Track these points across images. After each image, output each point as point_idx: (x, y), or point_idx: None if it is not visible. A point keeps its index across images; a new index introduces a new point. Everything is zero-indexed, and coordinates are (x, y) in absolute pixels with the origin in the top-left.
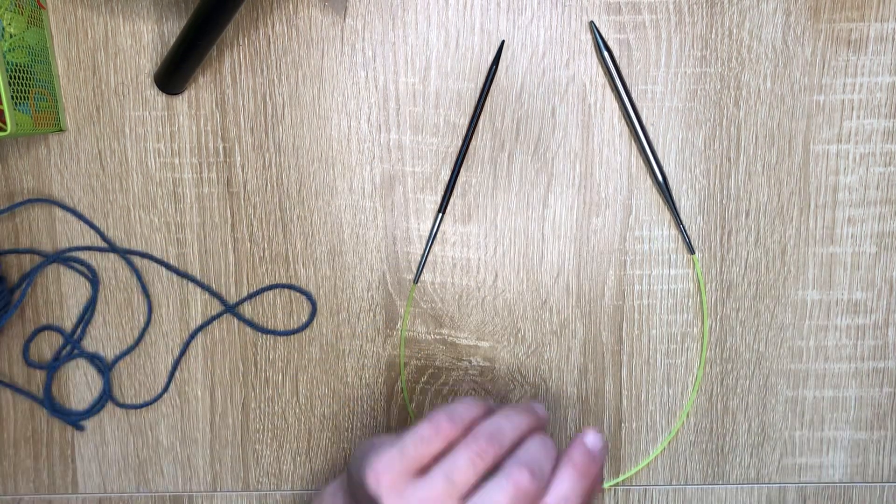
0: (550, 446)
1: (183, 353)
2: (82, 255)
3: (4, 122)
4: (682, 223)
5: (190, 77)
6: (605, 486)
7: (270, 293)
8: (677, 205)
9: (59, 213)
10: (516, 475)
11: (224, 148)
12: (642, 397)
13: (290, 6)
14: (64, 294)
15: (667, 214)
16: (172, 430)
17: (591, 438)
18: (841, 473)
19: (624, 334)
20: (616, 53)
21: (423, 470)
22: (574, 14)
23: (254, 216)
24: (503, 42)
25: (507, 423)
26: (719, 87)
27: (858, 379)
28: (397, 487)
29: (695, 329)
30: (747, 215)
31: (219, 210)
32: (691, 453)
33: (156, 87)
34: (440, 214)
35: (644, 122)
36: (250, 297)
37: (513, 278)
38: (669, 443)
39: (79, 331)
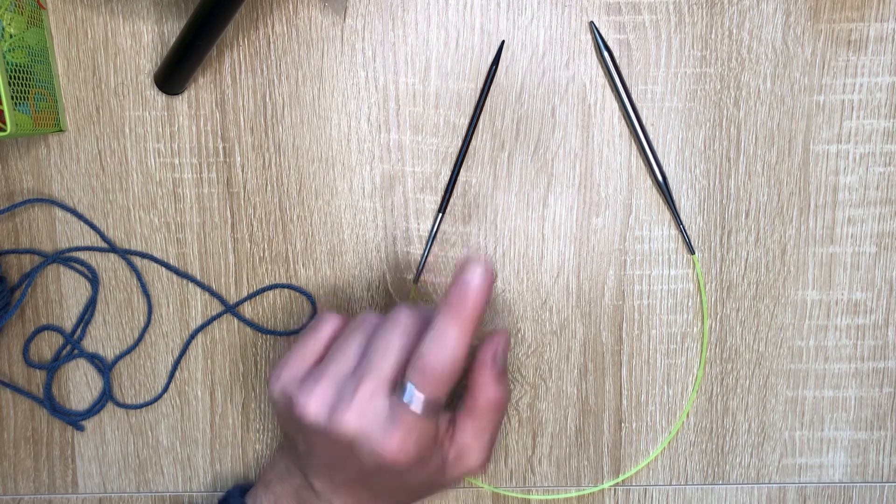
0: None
1: (183, 353)
2: (82, 255)
3: (4, 122)
4: (682, 223)
5: (190, 77)
6: (606, 486)
7: (270, 293)
8: (677, 205)
9: (59, 213)
10: (395, 314)
11: (224, 148)
12: (642, 397)
13: (290, 6)
14: (64, 294)
15: (667, 214)
16: (172, 430)
17: (469, 274)
18: (841, 473)
19: (624, 334)
20: (616, 53)
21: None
22: (574, 14)
23: (254, 216)
24: (503, 42)
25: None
26: (719, 87)
27: (858, 379)
28: (297, 378)
29: (695, 329)
30: (747, 215)
31: (219, 210)
32: (691, 453)
33: (156, 87)
34: (440, 214)
35: (644, 122)
36: (250, 297)
37: (513, 278)
38: (669, 443)
39: (79, 331)
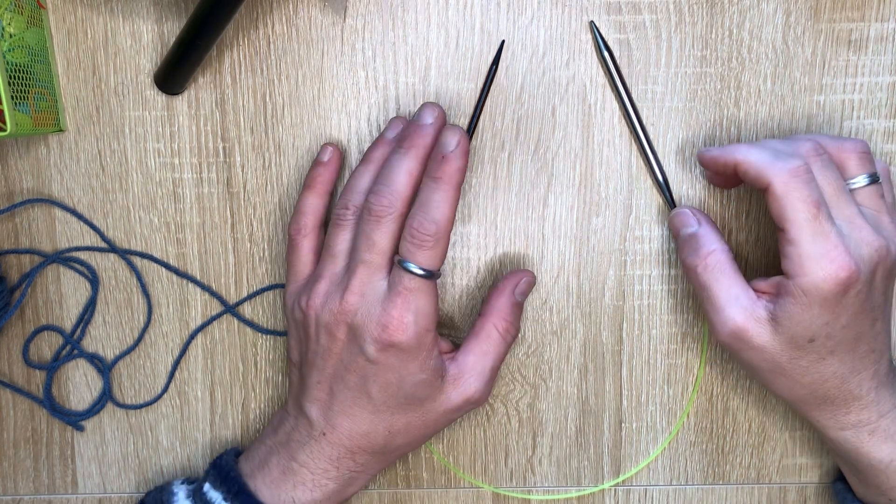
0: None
1: (183, 353)
2: (82, 255)
3: (4, 122)
4: None
5: (190, 77)
6: (606, 486)
7: (270, 293)
8: (677, 205)
9: (59, 213)
10: (371, 205)
11: (224, 148)
12: (642, 397)
13: (290, 6)
14: (64, 294)
15: (667, 214)
16: (172, 431)
17: (444, 136)
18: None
19: (624, 334)
20: (616, 53)
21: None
22: (574, 14)
23: (254, 216)
24: (503, 42)
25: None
26: (719, 87)
27: None
28: (300, 286)
29: (695, 329)
30: (747, 215)
31: (219, 210)
32: (691, 453)
33: (156, 87)
34: None
35: (644, 122)
36: (250, 297)
37: None
38: (669, 443)
39: (79, 331)
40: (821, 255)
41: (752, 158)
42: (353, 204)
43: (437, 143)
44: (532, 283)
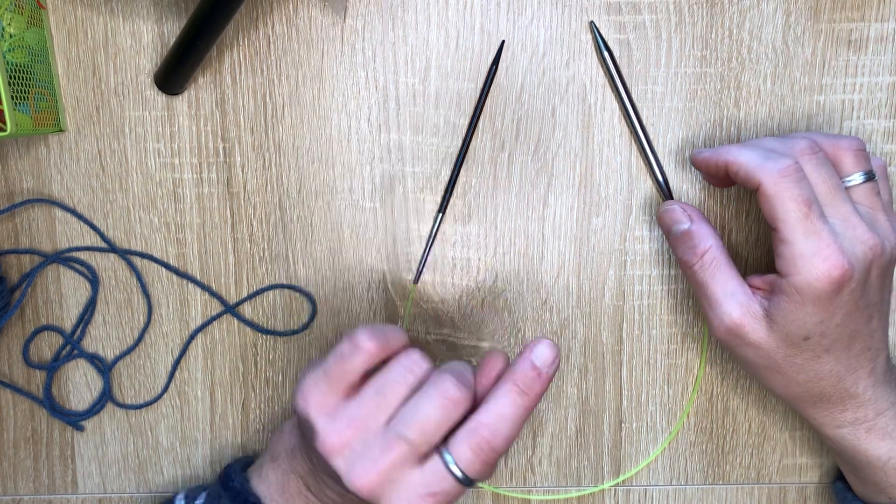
0: (467, 365)
1: (183, 353)
2: (82, 255)
3: (4, 122)
4: None
5: (190, 77)
6: (606, 486)
7: (270, 293)
8: None
9: (59, 213)
10: (443, 383)
11: (224, 148)
12: (642, 397)
13: (290, 6)
14: (64, 294)
15: None
16: (172, 431)
17: (541, 351)
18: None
19: (624, 334)
20: (616, 53)
21: (357, 390)
22: (574, 14)
23: (254, 216)
24: (503, 42)
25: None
26: (719, 87)
27: None
28: (326, 407)
29: (695, 329)
30: (747, 215)
31: (219, 210)
32: (691, 453)
33: (156, 87)
34: (440, 214)
35: (644, 122)
36: (250, 297)
37: (513, 278)
38: (669, 443)
39: (79, 331)
40: (813, 253)
41: (743, 159)
42: (429, 362)
43: (533, 353)
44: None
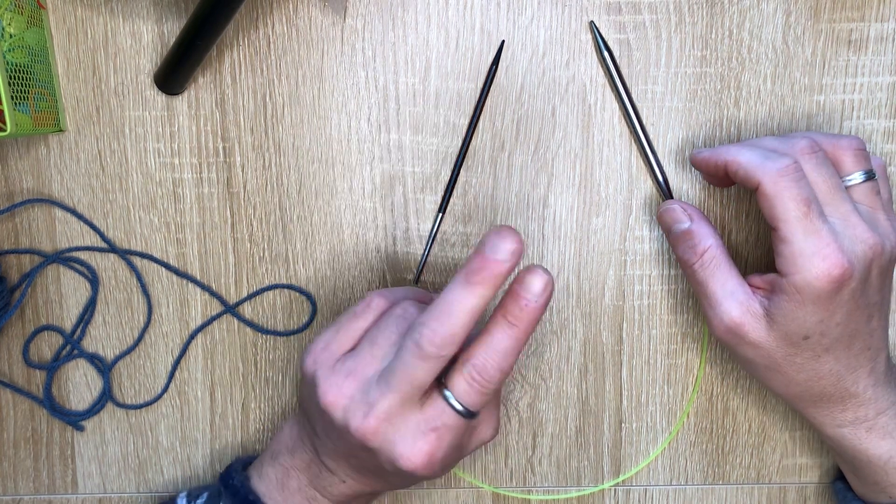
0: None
1: (183, 353)
2: (82, 255)
3: (4, 122)
4: None
5: (190, 77)
6: (606, 486)
7: (270, 293)
8: None
9: (59, 213)
10: (418, 328)
11: (224, 148)
12: (642, 397)
13: (290, 6)
14: (64, 294)
15: None
16: (172, 430)
17: (529, 282)
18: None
19: (624, 334)
20: (616, 53)
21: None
22: (574, 14)
23: (254, 216)
24: (503, 42)
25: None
26: (719, 87)
27: None
28: (329, 362)
29: (695, 329)
30: (747, 216)
31: (219, 210)
32: (691, 453)
33: (156, 87)
34: (440, 214)
35: (644, 122)
36: (250, 297)
37: (513, 278)
38: (669, 443)
39: (79, 331)
40: (813, 252)
41: (742, 159)
42: (416, 307)
43: (521, 284)
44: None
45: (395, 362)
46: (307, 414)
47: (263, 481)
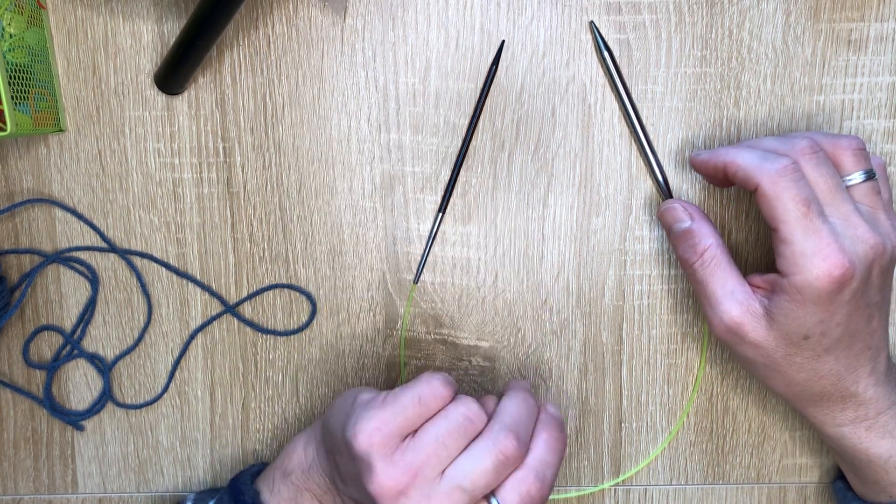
0: (532, 405)
1: (183, 353)
2: (82, 255)
3: (4, 122)
4: None
5: (190, 77)
6: (606, 486)
7: (270, 293)
8: None
9: (59, 213)
10: (503, 440)
11: (224, 148)
12: (642, 397)
13: (290, 6)
14: (64, 294)
15: None
16: (172, 430)
17: (553, 408)
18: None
19: (624, 334)
20: (616, 53)
21: (411, 432)
22: (574, 14)
23: (254, 216)
24: (503, 42)
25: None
26: (719, 87)
27: None
28: (388, 449)
29: (695, 329)
30: (747, 215)
31: (219, 210)
32: (691, 453)
33: (156, 87)
34: (440, 214)
35: (644, 122)
36: (250, 297)
37: (513, 278)
38: (669, 443)
39: (79, 331)
40: (814, 252)
41: (741, 160)
42: (485, 417)
43: (549, 406)
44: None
45: (471, 465)
46: (333, 451)
47: (275, 498)
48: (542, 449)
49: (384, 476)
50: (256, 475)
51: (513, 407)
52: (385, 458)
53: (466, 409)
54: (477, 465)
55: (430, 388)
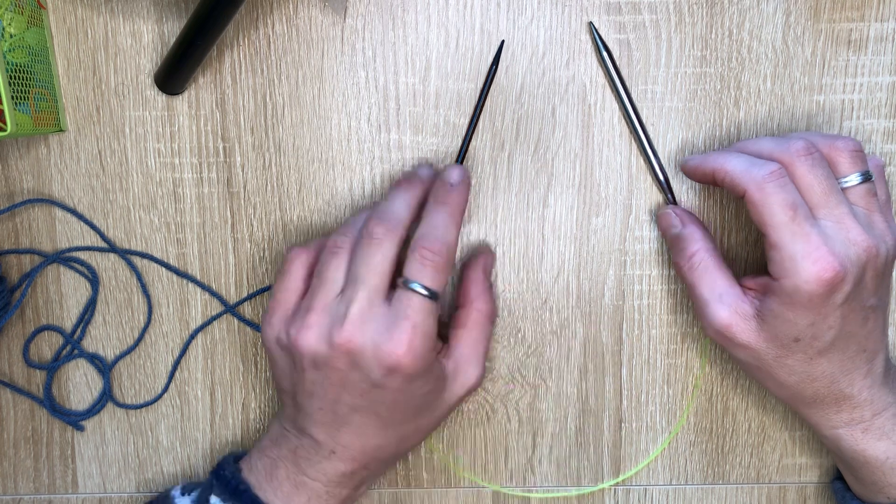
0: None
1: (183, 353)
2: (82, 255)
3: (4, 122)
4: None
5: (190, 77)
6: (606, 485)
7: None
8: (677, 204)
9: (59, 213)
10: (367, 228)
11: (224, 148)
12: (642, 397)
13: (290, 6)
14: (64, 294)
15: None
16: (172, 430)
17: (448, 173)
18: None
19: (624, 334)
20: (616, 53)
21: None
22: (574, 14)
23: (254, 216)
24: (503, 42)
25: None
26: (719, 87)
27: None
28: (286, 320)
29: (695, 329)
30: (747, 216)
31: (219, 210)
32: (691, 453)
33: (156, 87)
34: None
35: (644, 122)
36: (250, 297)
37: (513, 278)
38: (669, 443)
39: (79, 331)
40: (803, 256)
41: (728, 167)
42: (350, 234)
43: (440, 178)
44: (493, 258)
45: (354, 264)
46: (286, 392)
47: (253, 473)
48: (426, 216)
49: (295, 334)
50: (239, 459)
51: (382, 205)
52: (288, 325)
53: (330, 242)
54: (359, 264)
55: (287, 260)
